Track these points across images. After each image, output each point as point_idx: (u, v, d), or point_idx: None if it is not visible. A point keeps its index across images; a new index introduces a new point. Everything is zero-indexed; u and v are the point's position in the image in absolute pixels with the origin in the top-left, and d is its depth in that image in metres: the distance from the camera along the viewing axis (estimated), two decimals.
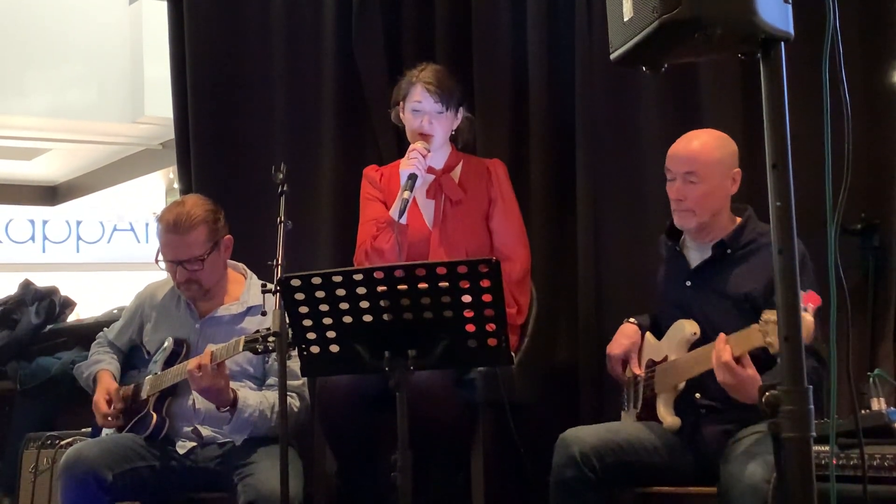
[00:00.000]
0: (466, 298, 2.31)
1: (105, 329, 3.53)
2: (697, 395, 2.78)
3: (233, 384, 3.04)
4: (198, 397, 3.09)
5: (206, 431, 3.13)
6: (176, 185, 6.68)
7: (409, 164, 3.26)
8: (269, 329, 2.82)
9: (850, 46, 2.88)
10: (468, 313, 2.33)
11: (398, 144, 3.81)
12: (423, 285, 2.30)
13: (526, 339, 3.40)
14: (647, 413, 2.88)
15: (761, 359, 2.52)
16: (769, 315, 2.38)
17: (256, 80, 4.24)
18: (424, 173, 3.31)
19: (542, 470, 2.83)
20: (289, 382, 2.83)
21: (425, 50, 3.90)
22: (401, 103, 3.43)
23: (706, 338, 2.69)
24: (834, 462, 2.42)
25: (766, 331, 2.39)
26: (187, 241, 3.12)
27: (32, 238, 10.35)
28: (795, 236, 1.67)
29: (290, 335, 2.61)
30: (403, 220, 3.23)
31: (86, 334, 4.10)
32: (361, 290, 2.33)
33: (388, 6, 4.06)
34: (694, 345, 2.76)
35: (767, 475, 2.41)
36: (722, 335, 2.54)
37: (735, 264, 2.80)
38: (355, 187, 3.61)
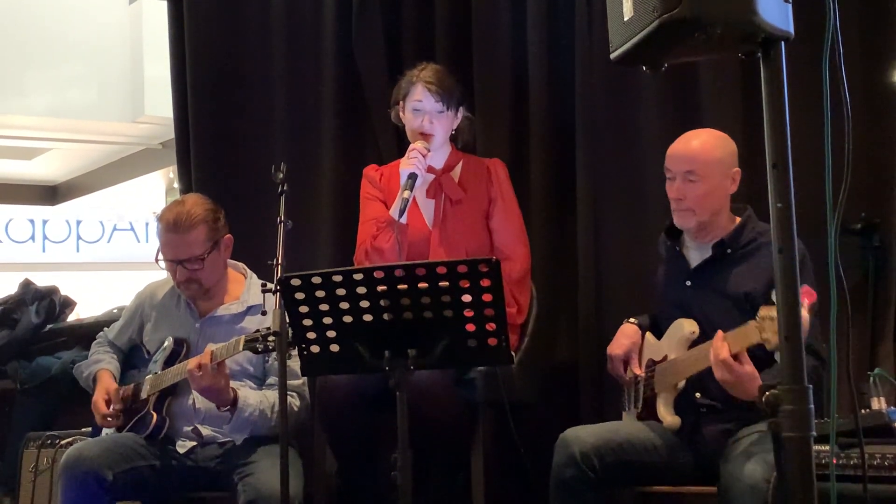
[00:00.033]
0: (466, 298, 2.31)
1: (105, 329, 3.53)
2: (697, 394, 2.78)
3: (233, 383, 3.04)
4: (198, 397, 3.09)
5: (206, 431, 3.13)
6: (176, 185, 6.68)
7: (409, 164, 3.26)
8: (269, 328, 2.82)
9: (850, 46, 2.88)
10: (468, 313, 2.33)
11: (398, 144, 3.82)
12: (423, 285, 2.30)
13: (526, 339, 3.40)
14: (648, 413, 2.88)
15: (759, 358, 2.52)
16: (766, 311, 2.39)
17: (256, 80, 4.24)
18: (424, 173, 3.32)
19: (542, 469, 2.83)
20: (289, 382, 2.83)
21: (425, 50, 3.90)
22: (401, 103, 3.43)
23: (706, 337, 2.69)
24: (834, 461, 2.43)
25: (762, 327, 2.39)
26: (187, 240, 3.12)
27: (32, 237, 10.35)
28: (795, 236, 1.67)
29: (290, 334, 2.61)
30: (403, 220, 3.23)
31: (86, 334, 4.11)
32: (361, 290, 2.33)
33: (388, 6, 4.07)
34: (693, 344, 2.77)
35: (767, 474, 2.41)
36: (720, 332, 2.54)
37: (735, 264, 2.80)
38: (355, 187, 3.61)
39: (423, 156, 3.28)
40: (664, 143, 2.94)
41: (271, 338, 2.81)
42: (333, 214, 4.02)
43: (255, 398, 3.07)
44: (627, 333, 3.00)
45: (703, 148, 2.81)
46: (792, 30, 1.69)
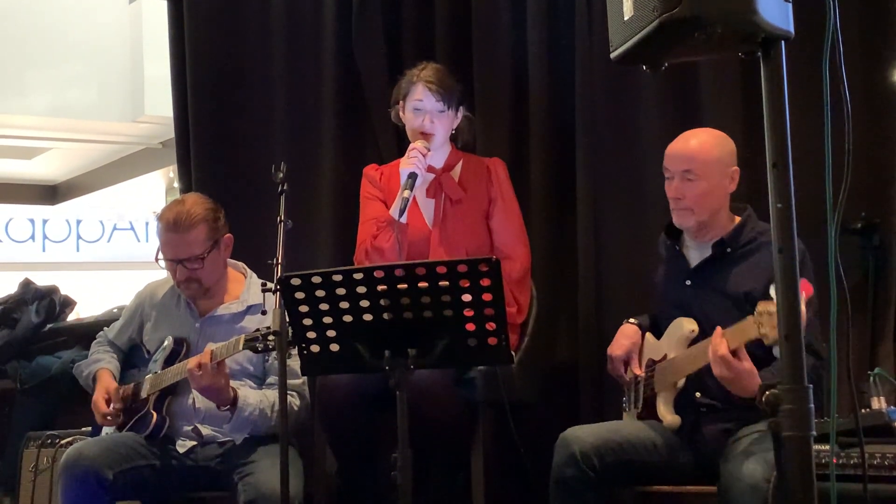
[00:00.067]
0: (466, 297, 2.31)
1: (105, 328, 3.53)
2: (697, 394, 2.78)
3: (233, 383, 3.05)
4: (198, 396, 3.09)
5: (206, 430, 3.13)
6: (176, 185, 6.68)
7: (409, 163, 3.26)
8: (269, 328, 2.82)
9: (850, 45, 2.88)
10: (468, 312, 2.33)
11: (398, 144, 3.82)
12: (423, 284, 2.30)
13: (526, 339, 3.40)
14: (648, 412, 2.88)
15: (758, 357, 2.52)
16: (764, 306, 2.39)
17: (256, 80, 4.24)
18: (424, 172, 3.32)
19: (542, 469, 2.83)
20: (289, 381, 2.83)
21: (425, 50, 3.91)
22: (401, 102, 3.43)
23: (705, 336, 2.69)
24: (834, 461, 2.43)
25: (760, 322, 2.39)
26: (187, 239, 3.12)
27: (32, 237, 10.35)
28: (796, 235, 1.67)
29: (290, 334, 2.61)
30: (403, 219, 3.23)
31: (86, 333, 4.10)
32: (361, 290, 2.33)
33: (388, 6, 4.07)
34: (693, 342, 2.77)
35: (767, 474, 2.41)
36: (718, 329, 2.54)
37: (735, 263, 2.80)
38: (355, 186, 3.61)
39: (423, 155, 3.28)
40: (664, 143, 2.94)
41: (271, 337, 2.81)
42: (333, 214, 4.02)
43: (255, 398, 3.07)
44: (627, 334, 3.00)
45: (700, 147, 2.81)
46: (792, 29, 1.69)
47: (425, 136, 3.34)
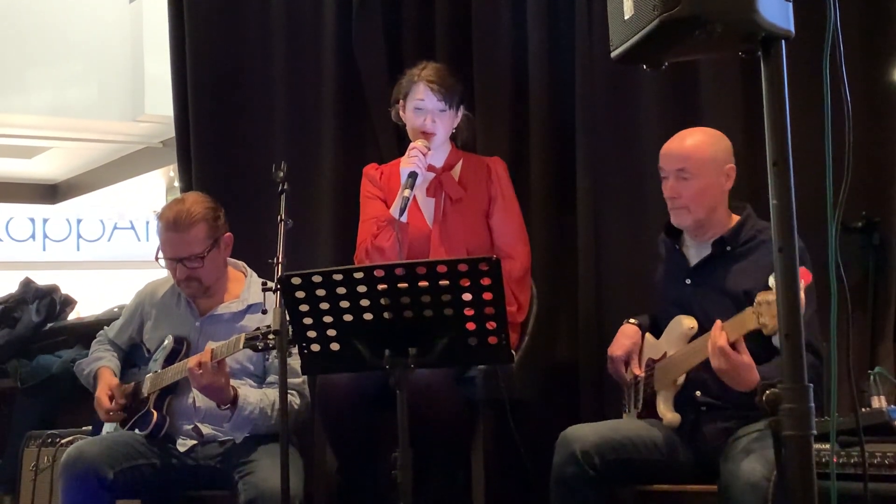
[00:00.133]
0: (467, 297, 2.31)
1: (105, 327, 3.53)
2: (697, 392, 2.78)
3: (233, 382, 3.05)
4: (198, 395, 3.09)
5: (206, 429, 3.13)
6: (176, 184, 6.67)
7: (409, 163, 3.27)
8: (269, 327, 2.82)
9: (850, 44, 2.89)
10: (469, 311, 2.33)
11: (398, 143, 3.82)
12: (423, 283, 2.31)
13: (526, 338, 3.40)
14: (648, 412, 2.88)
15: (757, 355, 2.53)
16: (763, 297, 2.39)
17: (256, 79, 4.25)
18: (425, 171, 3.32)
19: (543, 468, 2.83)
20: (289, 380, 2.83)
21: (425, 49, 3.91)
22: (401, 101, 3.43)
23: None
24: (835, 460, 2.43)
25: (760, 312, 2.40)
26: (187, 238, 3.13)
27: (33, 236, 10.34)
28: (796, 234, 1.67)
29: (290, 333, 2.61)
30: (404, 219, 3.23)
31: (86, 332, 4.11)
32: (362, 289, 2.34)
33: (389, 6, 4.07)
34: (692, 339, 2.77)
35: (767, 473, 2.42)
36: (718, 322, 2.55)
37: (734, 261, 2.80)
38: (355, 186, 3.61)
39: (424, 154, 3.29)
40: (664, 143, 2.94)
41: (271, 336, 2.81)
42: (333, 213, 4.02)
43: (256, 396, 3.07)
44: (628, 334, 3.00)
45: (694, 145, 2.82)
46: (792, 28, 1.69)
47: (426, 135, 3.35)
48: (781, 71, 1.68)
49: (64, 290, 4.93)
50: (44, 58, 7.49)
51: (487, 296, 2.31)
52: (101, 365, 3.34)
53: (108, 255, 10.40)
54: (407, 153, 3.31)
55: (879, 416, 2.50)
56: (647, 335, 2.98)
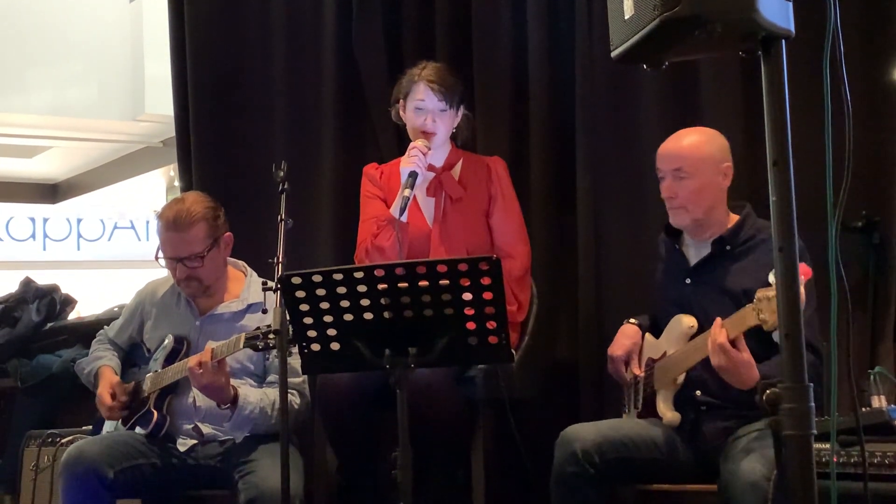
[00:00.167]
0: (467, 296, 2.31)
1: (105, 327, 3.53)
2: (697, 392, 2.78)
3: (233, 381, 3.05)
4: (198, 395, 3.10)
5: (206, 429, 3.14)
6: (177, 183, 6.67)
7: (409, 162, 3.27)
8: (269, 326, 2.82)
9: (850, 44, 2.89)
10: (469, 311, 2.33)
11: (398, 142, 3.82)
12: (423, 283, 2.31)
13: (526, 337, 3.40)
14: (648, 411, 2.88)
15: (756, 354, 2.53)
16: (763, 293, 2.40)
17: (256, 79, 4.25)
18: (425, 171, 3.32)
19: (543, 467, 2.83)
20: (289, 380, 2.83)
21: (425, 50, 3.91)
22: (402, 101, 3.43)
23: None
24: (835, 460, 2.43)
25: (759, 308, 2.40)
26: (187, 238, 3.13)
27: (33, 236, 10.34)
28: (796, 234, 1.67)
29: (290, 332, 2.61)
30: (404, 218, 3.23)
31: (86, 332, 4.11)
32: (362, 288, 2.34)
33: (388, 6, 4.07)
34: (692, 338, 2.77)
35: (767, 472, 2.42)
36: (718, 319, 2.55)
37: (734, 260, 2.80)
38: (355, 186, 3.61)
39: (424, 154, 3.29)
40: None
41: (272, 336, 2.81)
42: (334, 213, 4.02)
43: (256, 396, 3.07)
44: (628, 334, 3.01)
45: (689, 145, 2.83)
46: (793, 28, 1.69)
47: (426, 135, 3.35)
48: (781, 70, 1.69)
49: (64, 290, 4.93)
50: (44, 57, 7.49)
51: (487, 295, 2.31)
52: (102, 364, 3.34)
53: (108, 254, 10.40)
54: (407, 153, 3.31)
55: (879, 416, 2.50)
56: (647, 335, 2.98)
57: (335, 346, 2.42)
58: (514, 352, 3.25)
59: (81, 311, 5.24)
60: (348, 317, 2.37)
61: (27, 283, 4.86)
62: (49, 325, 4.76)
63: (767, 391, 1.70)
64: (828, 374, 2.40)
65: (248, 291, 3.26)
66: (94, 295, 7.00)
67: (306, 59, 4.19)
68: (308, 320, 2.41)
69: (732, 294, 2.73)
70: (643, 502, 2.84)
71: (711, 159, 2.81)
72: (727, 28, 1.65)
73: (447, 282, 2.30)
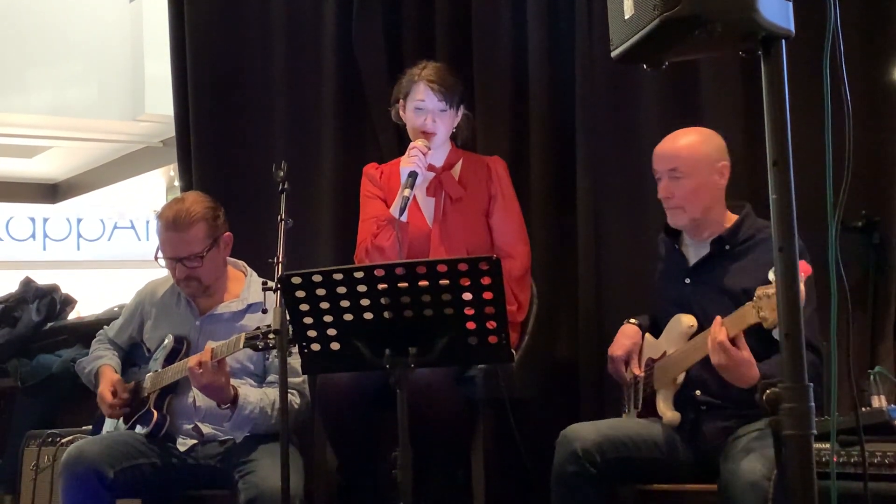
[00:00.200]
0: (467, 296, 2.31)
1: (105, 327, 3.53)
2: (697, 391, 2.78)
3: (233, 381, 3.05)
4: (198, 394, 3.10)
5: (206, 429, 3.14)
6: (177, 183, 6.68)
7: (409, 162, 3.27)
8: (269, 326, 2.82)
9: (850, 44, 2.89)
10: (469, 311, 2.33)
11: (398, 142, 3.82)
12: (423, 283, 2.31)
13: (526, 337, 3.40)
14: (648, 411, 2.88)
15: (756, 352, 2.53)
16: (763, 290, 2.40)
17: (256, 79, 4.25)
18: (425, 171, 3.32)
19: (543, 467, 2.83)
20: (289, 380, 2.83)
21: (425, 49, 3.91)
22: (402, 101, 3.43)
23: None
24: (835, 459, 2.43)
25: (759, 306, 2.40)
26: (186, 237, 3.12)
27: (33, 236, 10.34)
28: (796, 234, 1.67)
29: (290, 332, 2.61)
30: (404, 218, 3.23)
31: (86, 332, 4.11)
32: (362, 288, 2.34)
33: (388, 6, 4.07)
34: (691, 338, 2.77)
35: (767, 472, 2.42)
36: (718, 318, 2.55)
37: (733, 260, 2.80)
38: (355, 185, 3.61)
39: (424, 154, 3.29)
40: None
41: (272, 335, 2.81)
42: (334, 213, 4.02)
43: (256, 396, 3.07)
44: (628, 334, 3.01)
45: (684, 145, 2.83)
46: (793, 28, 1.69)
47: (426, 135, 3.35)
48: (781, 70, 1.69)
49: (64, 290, 4.93)
50: (44, 57, 7.50)
51: (487, 295, 2.31)
52: (103, 363, 3.34)
53: (108, 254, 10.40)
54: (407, 153, 3.31)
55: (879, 416, 2.50)
56: (647, 335, 2.98)
57: (335, 345, 2.42)
58: (514, 352, 3.25)
59: (81, 310, 5.24)
60: (348, 317, 2.37)
61: (27, 283, 4.87)
62: (49, 324, 4.76)
63: (767, 391, 1.70)
64: (828, 374, 2.41)
65: (248, 291, 3.26)
66: (94, 295, 7.00)
67: (306, 59, 4.19)
68: (308, 320, 2.41)
69: (732, 293, 2.73)
70: (643, 502, 2.84)
71: (707, 158, 2.81)
72: (727, 28, 1.65)
73: (447, 282, 2.30)
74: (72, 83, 7.65)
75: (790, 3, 1.69)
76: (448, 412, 3.11)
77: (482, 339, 2.36)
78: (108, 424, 3.31)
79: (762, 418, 2.48)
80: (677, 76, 3.45)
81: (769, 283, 2.35)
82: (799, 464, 1.64)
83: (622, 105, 3.66)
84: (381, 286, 2.33)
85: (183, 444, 3.12)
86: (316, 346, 2.44)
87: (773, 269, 1.72)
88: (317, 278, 2.36)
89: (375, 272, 2.32)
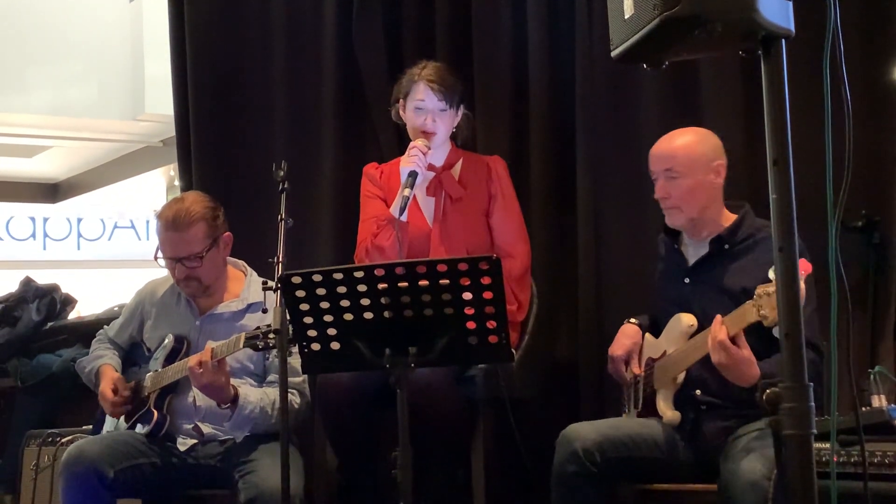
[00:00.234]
0: (467, 296, 2.31)
1: (105, 326, 3.53)
2: (697, 391, 2.78)
3: (233, 381, 3.05)
4: (198, 394, 3.10)
5: (206, 428, 3.14)
6: (177, 183, 6.68)
7: (409, 162, 3.27)
8: (269, 326, 2.82)
9: (850, 43, 2.89)
10: (469, 310, 2.33)
11: (398, 142, 3.82)
12: (423, 283, 2.31)
13: (526, 337, 3.41)
14: (648, 411, 2.88)
15: (756, 352, 2.53)
16: (763, 289, 2.40)
17: (256, 79, 4.25)
18: (425, 170, 3.32)
19: (543, 467, 2.84)
20: (289, 379, 2.83)
21: (425, 49, 3.91)
22: (402, 101, 3.43)
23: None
24: (835, 459, 2.43)
25: (760, 305, 2.40)
26: (186, 237, 3.12)
27: (33, 235, 10.34)
28: (796, 233, 1.67)
29: (290, 332, 2.61)
30: (404, 218, 3.23)
31: (86, 332, 4.11)
32: (362, 288, 2.34)
33: (388, 6, 4.07)
34: (692, 337, 2.77)
35: (767, 472, 2.42)
36: (718, 316, 2.55)
37: (733, 259, 2.80)
38: (355, 185, 3.61)
39: (424, 154, 3.29)
40: None
41: (272, 335, 2.81)
42: (334, 212, 4.02)
43: (256, 396, 3.07)
44: (628, 333, 3.01)
45: (679, 145, 2.84)
46: (793, 27, 1.69)
47: (426, 134, 3.35)
48: (781, 70, 1.69)
49: (64, 290, 4.93)
50: (44, 57, 7.50)
51: (488, 295, 2.31)
52: (103, 362, 3.34)
53: (108, 254, 10.40)
54: (407, 152, 3.31)
55: (880, 415, 2.50)
56: (647, 335, 2.99)
57: (335, 345, 2.42)
58: (514, 351, 3.25)
59: (81, 310, 5.24)
60: (348, 316, 2.37)
61: (27, 283, 4.86)
62: (49, 324, 4.76)
63: (767, 391, 1.70)
64: (828, 374, 2.40)
65: (248, 291, 3.26)
66: (94, 294, 7.00)
67: (306, 59, 4.19)
68: (308, 320, 2.41)
69: (731, 293, 2.73)
70: (643, 502, 2.84)
71: (702, 157, 2.82)
72: (727, 27, 1.65)
73: (447, 281, 2.30)
74: (72, 83, 7.65)
75: (790, 3, 1.69)
76: (448, 412, 3.11)
77: (482, 338, 2.36)
78: (108, 424, 3.31)
79: (762, 418, 2.46)
80: (677, 76, 3.45)
81: (769, 281, 2.35)
82: (799, 463, 1.64)
83: (622, 105, 3.67)
84: (381, 286, 2.33)
85: (183, 443, 3.12)
86: (316, 346, 2.44)
87: (773, 267, 1.72)
88: (317, 278, 2.36)
89: (375, 272, 2.32)
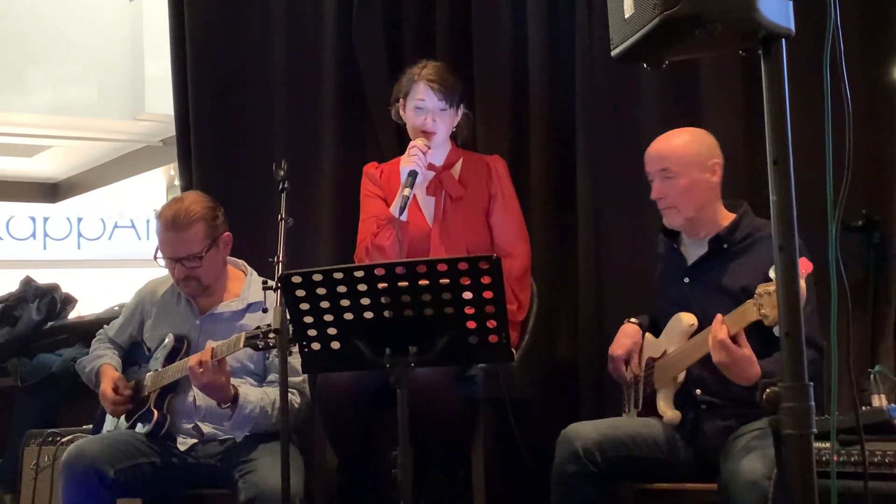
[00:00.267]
0: (467, 295, 2.31)
1: (105, 326, 3.53)
2: (697, 391, 2.78)
3: (233, 381, 3.05)
4: (198, 394, 3.10)
5: (206, 428, 3.14)
6: (177, 182, 6.68)
7: (409, 161, 3.27)
8: (269, 325, 2.82)
9: (851, 43, 2.89)
10: (469, 310, 2.33)
11: (398, 142, 3.82)
12: (423, 282, 2.31)
13: (526, 336, 3.41)
14: (648, 411, 2.88)
15: (757, 351, 2.53)
16: (763, 288, 2.40)
17: (256, 79, 4.25)
18: (425, 170, 3.32)
19: (543, 466, 2.84)
20: (289, 379, 2.83)
21: (425, 49, 3.91)
22: (402, 100, 3.43)
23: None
24: (835, 459, 2.43)
25: (760, 304, 2.40)
26: (185, 237, 3.12)
27: (33, 235, 10.35)
28: (796, 233, 1.68)
29: (290, 332, 2.61)
30: (404, 217, 3.23)
31: (87, 331, 4.11)
32: (362, 287, 2.34)
33: (388, 6, 4.07)
34: (692, 336, 2.77)
35: (768, 471, 2.42)
36: (718, 315, 2.55)
37: (732, 259, 2.81)
38: (355, 185, 3.61)
39: (424, 153, 3.29)
40: None
41: (272, 335, 2.81)
42: (334, 212, 4.02)
43: (256, 395, 3.07)
44: (628, 333, 3.01)
45: (674, 144, 2.85)
46: (793, 27, 1.69)
47: (426, 134, 3.35)
48: (782, 70, 1.69)
49: (64, 289, 4.93)
50: (44, 57, 7.50)
51: (488, 294, 2.31)
52: (103, 362, 3.34)
53: (108, 253, 10.41)
54: (407, 152, 3.31)
55: (880, 415, 2.50)
56: (647, 334, 2.99)
57: (335, 345, 2.42)
58: (514, 351, 3.25)
59: (82, 310, 5.24)
60: (348, 316, 2.37)
61: (27, 283, 4.87)
62: (49, 324, 4.77)
63: (767, 390, 1.70)
64: (828, 373, 2.40)
65: (248, 290, 3.26)
66: (95, 294, 7.01)
67: (306, 59, 4.19)
68: (308, 319, 2.41)
69: (731, 292, 2.73)
70: (643, 501, 2.84)
71: (698, 156, 2.82)
72: (727, 27, 1.65)
73: (447, 281, 2.30)
74: (72, 83, 7.65)
75: (790, 3, 1.69)
76: (448, 411, 3.11)
77: (482, 338, 2.36)
78: (109, 424, 3.31)
79: (762, 417, 2.47)
80: (677, 76, 3.45)
81: (769, 280, 2.35)
82: (799, 463, 1.64)
83: (622, 105, 3.66)
84: (381, 285, 2.33)
85: (183, 443, 3.12)
86: (316, 346, 2.44)
87: (773, 266, 1.72)
88: (317, 277, 2.36)
89: (376, 271, 2.32)
